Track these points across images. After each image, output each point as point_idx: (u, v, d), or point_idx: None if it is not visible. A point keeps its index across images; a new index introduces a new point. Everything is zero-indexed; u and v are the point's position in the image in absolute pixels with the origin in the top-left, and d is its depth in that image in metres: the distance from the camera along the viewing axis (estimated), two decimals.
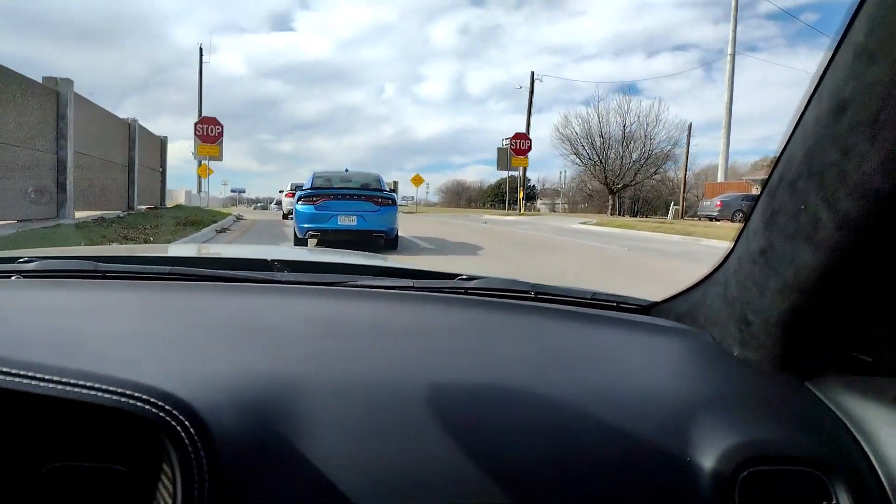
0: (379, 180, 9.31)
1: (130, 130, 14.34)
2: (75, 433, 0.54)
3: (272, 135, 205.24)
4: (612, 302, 0.89)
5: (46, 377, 0.47)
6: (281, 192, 24.49)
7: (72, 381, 0.47)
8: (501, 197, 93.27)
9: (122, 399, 0.47)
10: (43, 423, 0.54)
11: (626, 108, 37.53)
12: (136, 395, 0.47)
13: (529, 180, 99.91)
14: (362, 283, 0.90)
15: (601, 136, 37.52)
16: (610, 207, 36.45)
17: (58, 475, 0.54)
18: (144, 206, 15.88)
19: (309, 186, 8.71)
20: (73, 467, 0.54)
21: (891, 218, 0.45)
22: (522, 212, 29.23)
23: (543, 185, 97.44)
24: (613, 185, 37.37)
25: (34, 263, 0.88)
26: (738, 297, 0.65)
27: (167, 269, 0.89)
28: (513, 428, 0.54)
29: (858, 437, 0.56)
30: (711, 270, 0.74)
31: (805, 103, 0.49)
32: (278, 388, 0.54)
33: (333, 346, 0.65)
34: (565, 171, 36.76)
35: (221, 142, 23.64)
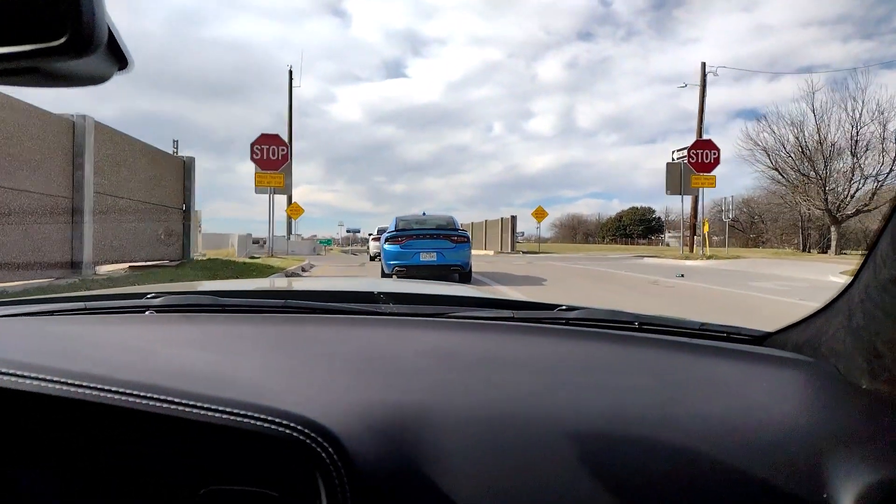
0: (453, 221, 10.17)
1: (76, 136, 8.17)
2: (226, 459, 0.56)
3: (386, 177, 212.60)
4: (722, 332, 0.88)
5: (207, 406, 0.51)
6: (370, 234, 23.29)
7: (228, 410, 0.51)
8: (623, 231, 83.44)
9: (273, 427, 0.51)
10: (197, 449, 0.56)
11: (857, 98, 26.46)
12: (285, 422, 0.51)
13: (654, 211, 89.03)
14: (464, 314, 0.92)
15: (819, 141, 26.72)
16: (834, 243, 25.95)
17: (214, 498, 0.56)
18: (126, 264, 9.77)
19: (393, 229, 9.66)
20: (228, 491, 0.56)
21: None
22: (708, 253, 20.25)
23: (667, 217, 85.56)
24: (838, 210, 26.53)
25: (161, 299, 0.93)
26: (866, 326, 0.63)
27: (281, 302, 0.93)
28: (636, 461, 0.53)
29: None
30: (832, 299, 0.71)
31: None
32: (406, 416, 0.56)
33: (449, 378, 0.66)
34: (731, 198, 25.76)
35: (289, 167, 17.69)
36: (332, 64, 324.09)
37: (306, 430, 0.51)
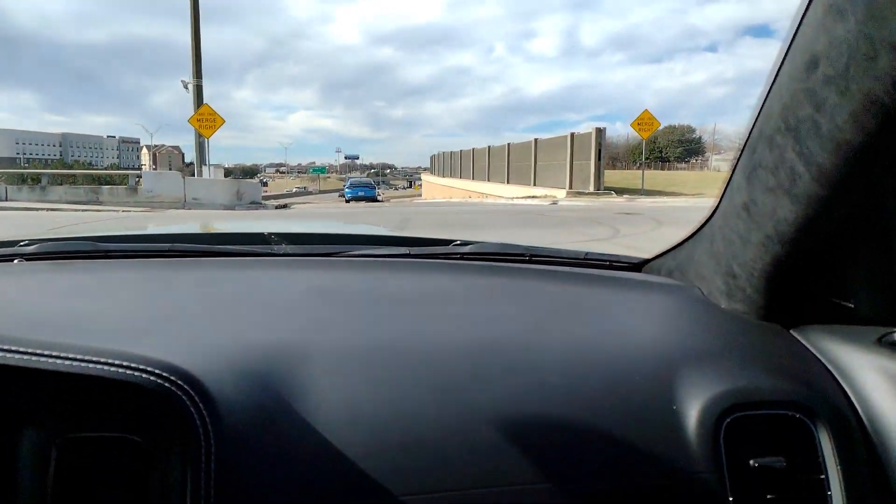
0: (371, 181, 38.26)
1: None
2: (90, 406, 0.54)
3: (385, 101, 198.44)
4: (605, 261, 0.93)
5: (59, 354, 0.49)
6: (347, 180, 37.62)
7: (82, 357, 0.50)
8: (658, 154, 69.62)
9: (130, 372, 0.49)
10: (59, 398, 0.54)
11: None
12: (143, 367, 0.50)
13: (695, 130, 75.05)
14: (359, 252, 0.93)
15: None
16: None
17: (74, 446, 0.54)
18: None
19: (349, 183, 33.97)
20: (89, 438, 0.54)
21: (863, 168, 0.48)
22: None
23: (713, 137, 72.13)
24: None
25: (34, 246, 0.90)
26: (724, 251, 0.68)
27: (167, 246, 0.92)
28: (506, 386, 0.57)
29: (840, 381, 0.59)
30: (699, 226, 0.75)
31: (780, 59, 0.51)
32: (278, 356, 0.58)
33: (331, 315, 0.68)
34: None
35: None
36: None
37: (164, 374, 0.50)
